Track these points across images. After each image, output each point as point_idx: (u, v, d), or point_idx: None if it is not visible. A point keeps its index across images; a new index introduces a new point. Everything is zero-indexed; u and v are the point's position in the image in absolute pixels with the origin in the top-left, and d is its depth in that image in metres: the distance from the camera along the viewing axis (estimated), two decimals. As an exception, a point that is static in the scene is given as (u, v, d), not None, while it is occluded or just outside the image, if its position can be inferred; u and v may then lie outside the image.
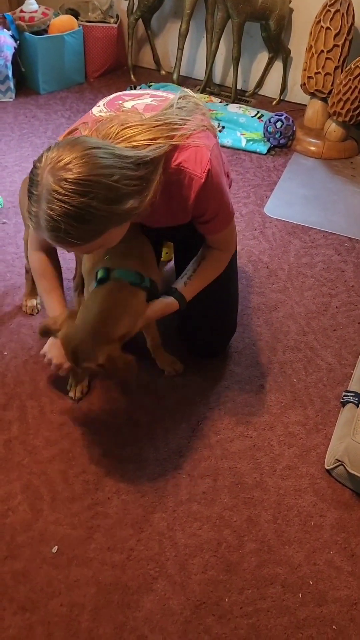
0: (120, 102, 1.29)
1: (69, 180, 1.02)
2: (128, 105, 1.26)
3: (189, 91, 1.32)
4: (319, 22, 2.74)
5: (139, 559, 1.28)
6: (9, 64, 2.98)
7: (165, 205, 1.27)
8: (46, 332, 1.36)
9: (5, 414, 1.54)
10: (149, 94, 1.32)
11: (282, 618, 1.21)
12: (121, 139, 1.14)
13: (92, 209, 1.05)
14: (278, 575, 1.27)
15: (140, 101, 1.28)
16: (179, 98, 1.25)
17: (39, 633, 1.15)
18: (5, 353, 1.70)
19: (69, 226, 1.05)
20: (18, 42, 3.04)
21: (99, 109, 1.28)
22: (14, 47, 2.98)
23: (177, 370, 1.69)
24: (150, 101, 1.28)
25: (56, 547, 1.28)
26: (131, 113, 1.21)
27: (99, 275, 1.34)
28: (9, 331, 1.77)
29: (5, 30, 2.98)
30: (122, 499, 1.38)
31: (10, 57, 2.95)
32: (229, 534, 1.34)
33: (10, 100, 3.11)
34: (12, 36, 2.99)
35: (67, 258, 1.87)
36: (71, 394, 1.58)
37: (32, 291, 1.81)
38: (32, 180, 1.07)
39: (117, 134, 1.14)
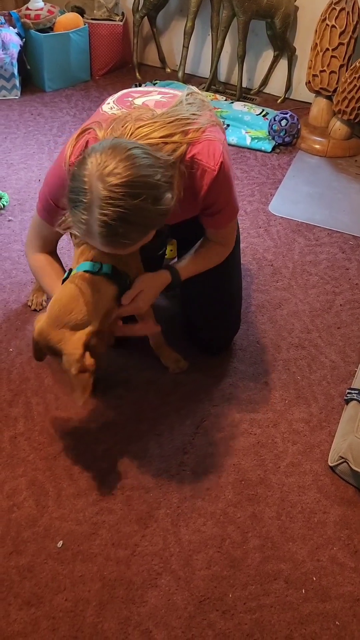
0: (130, 99, 1.30)
1: (120, 184, 1.04)
2: (138, 102, 1.27)
3: (194, 88, 1.33)
4: (324, 20, 2.74)
5: (144, 554, 1.29)
6: (15, 62, 2.98)
7: (183, 199, 1.28)
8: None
9: (11, 410, 1.55)
10: (156, 90, 1.33)
11: (285, 613, 1.21)
12: (137, 137, 1.15)
13: (144, 210, 1.07)
14: (282, 571, 1.28)
15: (150, 98, 1.29)
16: (187, 95, 1.27)
17: (43, 627, 1.16)
18: (11, 350, 1.71)
19: (123, 229, 1.07)
20: (24, 39, 3.04)
21: (110, 107, 1.29)
22: (20, 45, 2.99)
23: (181, 367, 1.69)
24: (160, 98, 1.29)
25: (61, 542, 1.29)
26: (143, 110, 1.22)
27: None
28: (15, 328, 1.78)
29: (11, 27, 2.99)
30: (127, 495, 1.39)
31: (16, 55, 2.96)
32: (233, 530, 1.34)
33: (16, 98, 3.11)
34: (18, 34, 3.00)
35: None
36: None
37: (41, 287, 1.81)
38: (78, 189, 1.08)
39: (132, 132, 1.16)
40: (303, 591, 1.25)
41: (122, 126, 1.17)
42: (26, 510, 1.34)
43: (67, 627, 1.17)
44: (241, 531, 1.34)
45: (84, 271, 1.31)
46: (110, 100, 1.32)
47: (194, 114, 1.23)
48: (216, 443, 1.52)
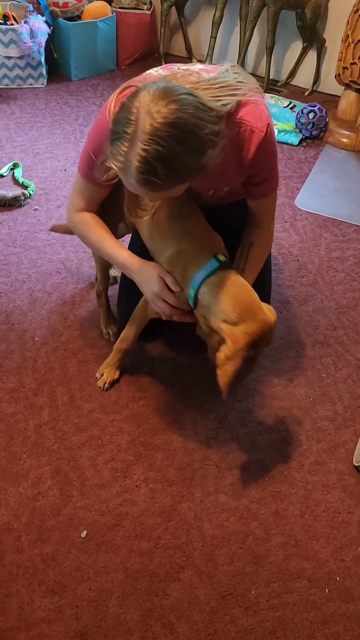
0: (175, 67, 1.28)
1: (168, 124, 1.03)
2: (184, 67, 1.25)
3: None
4: (356, 11, 2.68)
5: (166, 547, 1.29)
6: (42, 50, 2.98)
7: (223, 162, 1.26)
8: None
9: (36, 399, 1.55)
10: (198, 65, 1.32)
11: (308, 613, 1.21)
12: None
13: (184, 157, 1.06)
14: (305, 570, 1.27)
15: (194, 67, 1.28)
16: (231, 66, 1.25)
17: (67, 616, 1.17)
18: (36, 339, 1.72)
19: (161, 169, 1.06)
20: (52, 28, 3.03)
21: (155, 70, 1.28)
22: (48, 33, 2.98)
23: None
24: (203, 67, 1.28)
25: (85, 532, 1.29)
26: (191, 72, 1.20)
27: (214, 265, 1.30)
28: (40, 317, 1.78)
29: (39, 16, 2.98)
30: (150, 488, 1.39)
31: (43, 43, 2.95)
32: (256, 527, 1.34)
33: (42, 86, 3.11)
34: (46, 22, 2.99)
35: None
36: (99, 384, 1.59)
37: (109, 317, 1.75)
38: (124, 120, 1.06)
39: None
40: (326, 591, 1.24)
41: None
42: (50, 499, 1.35)
43: (90, 616, 1.18)
44: (264, 528, 1.34)
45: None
46: (155, 68, 1.30)
47: (240, 82, 1.21)
48: (240, 438, 1.52)
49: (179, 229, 1.36)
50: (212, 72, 1.23)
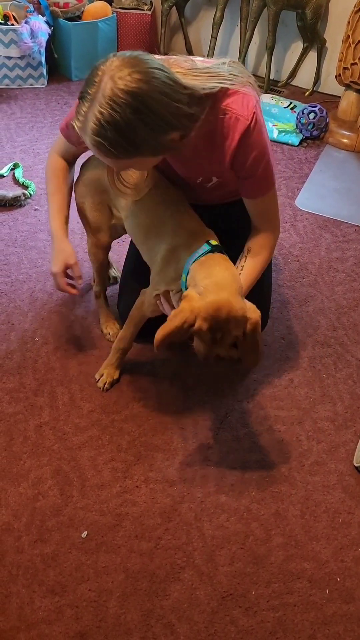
0: (174, 56, 1.29)
1: (127, 91, 1.04)
2: (182, 58, 1.26)
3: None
4: (357, 11, 2.68)
5: (167, 547, 1.29)
6: (43, 50, 2.98)
7: (207, 149, 1.27)
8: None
9: (37, 399, 1.55)
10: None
11: (308, 613, 1.21)
12: None
13: (137, 128, 1.07)
14: (305, 571, 1.27)
15: (196, 57, 1.29)
16: (229, 60, 1.26)
17: (67, 616, 1.17)
18: (37, 339, 1.72)
19: (111, 135, 1.07)
20: (52, 28, 3.03)
21: (159, 56, 1.28)
22: (48, 34, 2.98)
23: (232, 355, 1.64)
24: (203, 59, 1.28)
25: (85, 533, 1.29)
26: (185, 58, 1.21)
27: (206, 248, 1.28)
28: (41, 318, 1.78)
29: (39, 16, 2.98)
30: (151, 488, 1.39)
31: (44, 43, 2.95)
32: (257, 527, 1.34)
33: (43, 86, 3.11)
34: (47, 22, 2.99)
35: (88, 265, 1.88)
36: (99, 384, 1.59)
37: (109, 318, 1.75)
38: (90, 81, 1.08)
39: None
40: (327, 591, 1.24)
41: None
42: (51, 500, 1.35)
43: (90, 616, 1.17)
44: (265, 528, 1.34)
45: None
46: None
47: (232, 74, 1.21)
48: (240, 439, 1.52)
49: (171, 224, 1.35)
50: (209, 63, 1.24)
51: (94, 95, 1.07)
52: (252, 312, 1.22)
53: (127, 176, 1.34)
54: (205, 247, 1.27)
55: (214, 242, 1.29)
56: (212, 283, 1.19)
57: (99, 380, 1.60)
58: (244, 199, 1.40)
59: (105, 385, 1.59)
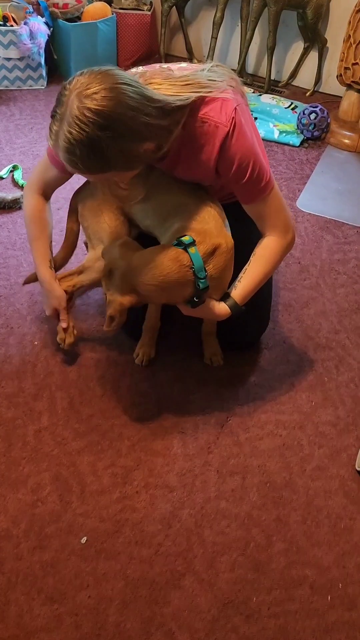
0: (157, 66, 1.29)
1: (92, 110, 1.04)
2: (164, 66, 1.27)
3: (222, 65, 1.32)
4: (358, 11, 2.67)
5: (167, 554, 1.27)
6: (42, 51, 2.97)
7: (190, 159, 1.26)
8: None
9: (36, 404, 1.54)
10: (185, 63, 1.34)
11: (310, 620, 1.19)
12: None
13: (106, 145, 1.07)
14: (307, 577, 1.26)
15: (175, 65, 1.30)
16: (211, 65, 1.26)
17: (67, 624, 1.16)
18: (36, 343, 1.70)
19: (81, 153, 1.08)
20: (51, 29, 3.02)
21: (136, 69, 1.29)
22: (48, 34, 2.97)
23: (215, 362, 1.67)
24: (185, 65, 1.29)
25: (85, 539, 1.28)
26: (161, 70, 1.21)
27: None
28: (40, 321, 1.77)
29: (39, 17, 2.97)
30: (151, 494, 1.37)
31: (43, 45, 2.94)
32: (258, 533, 1.32)
33: (42, 88, 3.10)
34: (46, 23, 2.98)
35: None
36: (137, 362, 1.65)
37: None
38: (59, 100, 1.10)
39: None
40: (329, 598, 1.23)
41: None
42: (50, 506, 1.34)
43: (90, 624, 1.16)
44: (266, 535, 1.32)
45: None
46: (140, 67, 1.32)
47: (211, 80, 1.21)
48: (241, 443, 1.50)
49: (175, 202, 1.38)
50: (188, 70, 1.24)
51: (62, 114, 1.07)
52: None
53: (121, 181, 1.36)
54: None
55: (185, 240, 1.30)
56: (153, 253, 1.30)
57: (136, 359, 1.66)
58: (242, 204, 1.39)
59: (144, 362, 1.65)
